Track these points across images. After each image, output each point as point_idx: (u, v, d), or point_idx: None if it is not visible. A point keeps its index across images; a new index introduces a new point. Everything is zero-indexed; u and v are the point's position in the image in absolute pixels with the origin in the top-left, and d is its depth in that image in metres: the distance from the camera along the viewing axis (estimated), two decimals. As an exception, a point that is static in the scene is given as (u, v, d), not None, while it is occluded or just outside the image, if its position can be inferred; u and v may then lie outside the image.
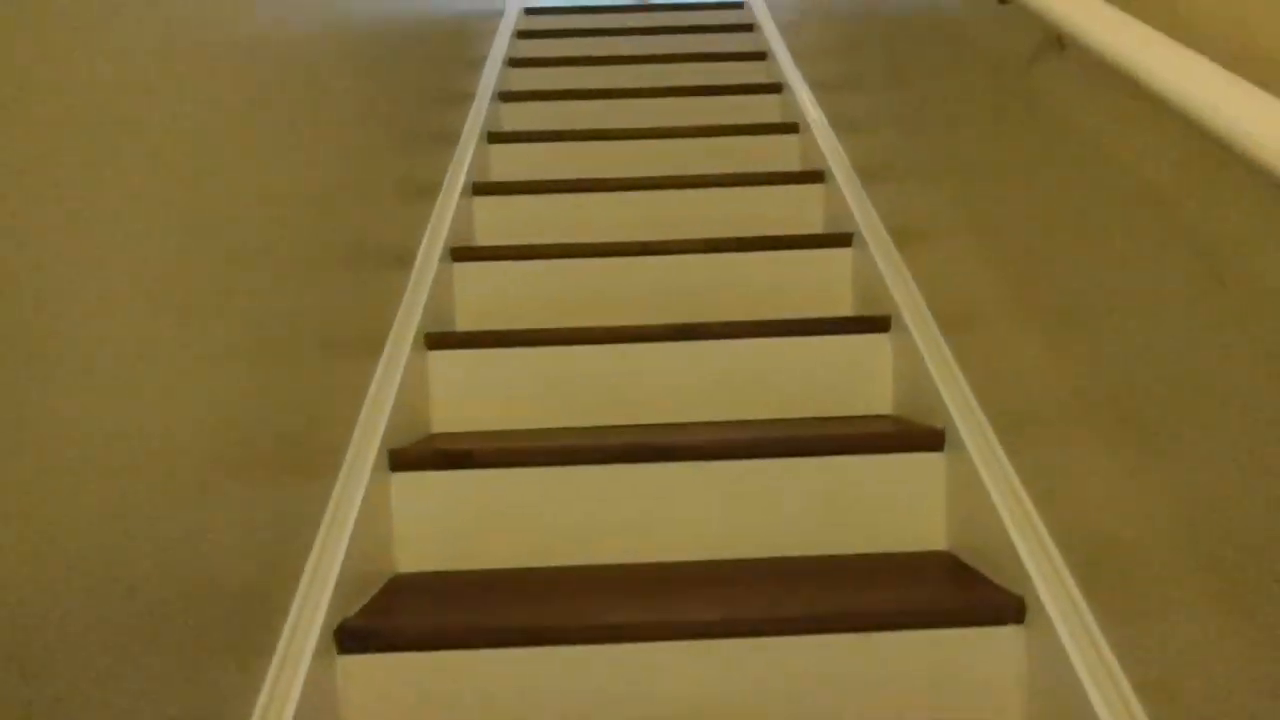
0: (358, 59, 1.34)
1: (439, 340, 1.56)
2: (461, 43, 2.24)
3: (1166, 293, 0.79)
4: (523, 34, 3.10)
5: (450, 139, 2.03)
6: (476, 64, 2.47)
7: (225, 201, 0.86)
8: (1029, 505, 1.08)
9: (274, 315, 0.99)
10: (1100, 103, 0.90)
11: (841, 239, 1.82)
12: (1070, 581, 0.97)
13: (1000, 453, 1.16)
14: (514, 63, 2.83)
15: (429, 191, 1.81)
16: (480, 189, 2.04)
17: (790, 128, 2.30)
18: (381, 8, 1.48)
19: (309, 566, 1.04)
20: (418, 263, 1.66)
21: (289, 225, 1.04)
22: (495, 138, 2.29)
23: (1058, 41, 0.97)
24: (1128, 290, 0.86)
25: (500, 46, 2.82)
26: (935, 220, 1.42)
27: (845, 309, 1.81)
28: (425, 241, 1.72)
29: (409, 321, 1.51)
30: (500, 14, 3.04)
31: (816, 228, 2.04)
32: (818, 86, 2.28)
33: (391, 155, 1.52)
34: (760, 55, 2.84)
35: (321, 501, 1.11)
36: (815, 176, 2.05)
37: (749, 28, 3.08)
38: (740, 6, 3.35)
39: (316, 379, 1.11)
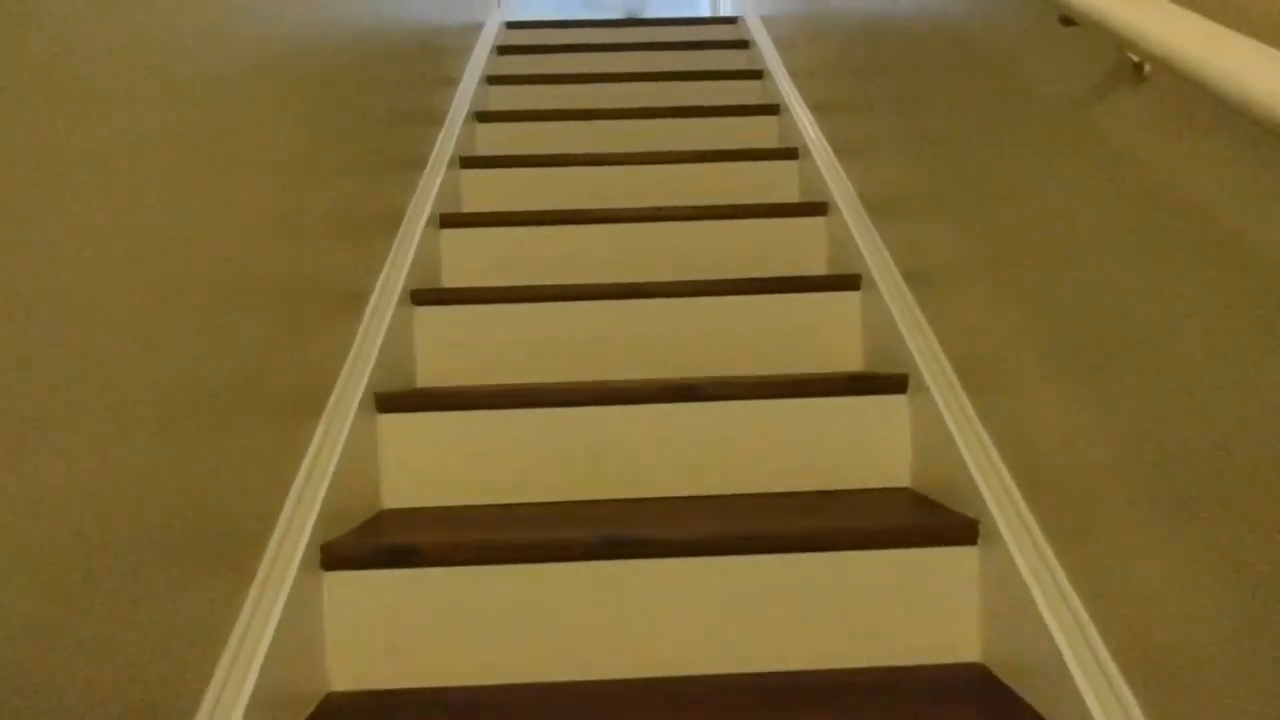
0: (291, 77, 1.15)
1: (392, 401, 1.36)
2: (430, 60, 2.05)
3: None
4: (503, 49, 2.92)
5: (416, 164, 1.84)
6: (449, 82, 2.28)
7: (121, 239, 0.67)
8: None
9: (183, 371, 0.79)
10: (1189, 141, 0.71)
11: (850, 280, 1.63)
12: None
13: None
14: (492, 80, 2.64)
15: (388, 224, 1.61)
16: (449, 220, 1.85)
17: (790, 153, 2.11)
18: (325, 19, 1.29)
19: (216, 682, 0.84)
20: (370, 306, 1.45)
21: (208, 266, 0.84)
22: (469, 162, 2.10)
23: (1135, 69, 0.78)
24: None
25: (478, 63, 2.63)
26: (957, 263, 1.23)
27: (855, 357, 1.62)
28: (382, 281, 1.52)
29: (357, 378, 1.31)
30: (479, 27, 2.86)
31: (820, 263, 1.86)
32: (819, 109, 2.10)
33: (340, 183, 1.32)
34: (757, 74, 2.66)
35: (237, 606, 0.90)
36: (818, 209, 1.87)
37: (744, 44, 2.90)
38: (734, 22, 3.18)
39: (233, 450, 0.91)
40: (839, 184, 1.84)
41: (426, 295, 1.59)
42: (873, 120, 1.65)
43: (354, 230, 1.39)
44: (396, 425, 1.35)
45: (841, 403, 1.36)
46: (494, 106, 2.61)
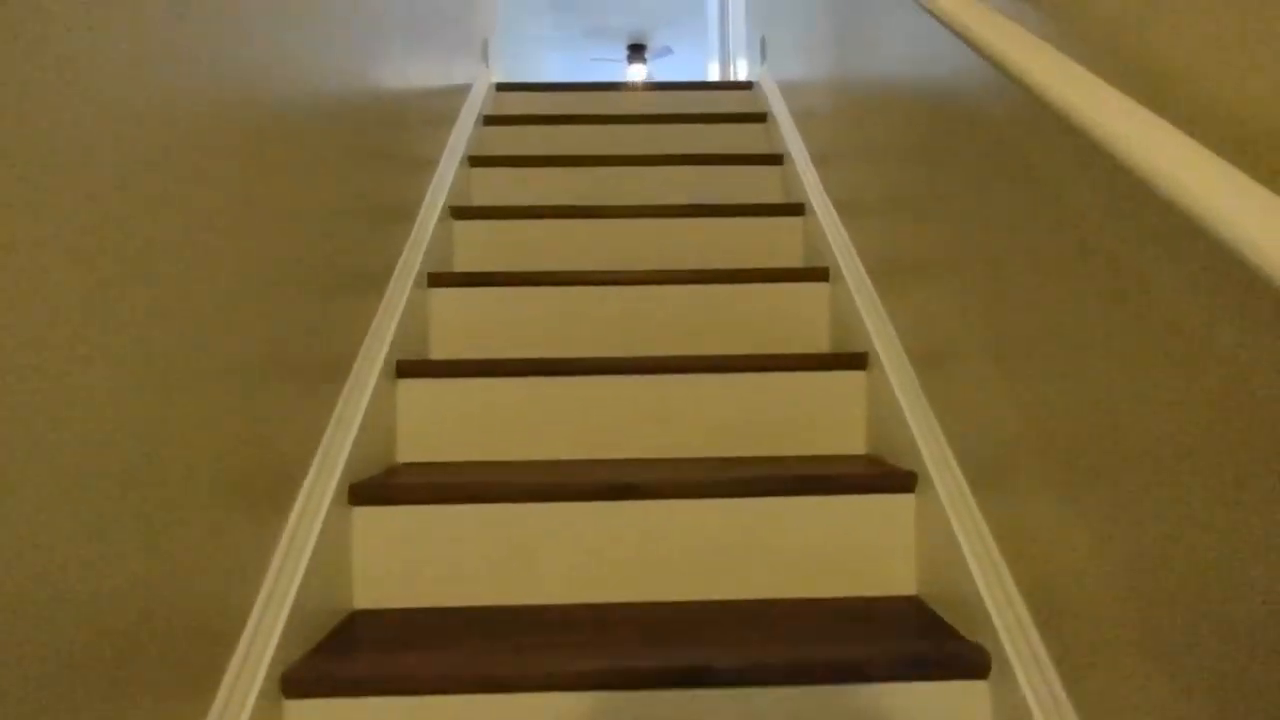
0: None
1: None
2: (398, 139, 1.73)
3: None
4: (491, 119, 2.59)
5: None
6: (426, 165, 1.97)
7: None
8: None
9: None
10: None
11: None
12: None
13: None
14: (475, 161, 2.32)
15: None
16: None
17: (820, 273, 1.80)
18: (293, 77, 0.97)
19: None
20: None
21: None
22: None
23: None
24: None
25: (461, 137, 2.31)
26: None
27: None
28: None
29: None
30: (466, 89, 2.54)
31: (860, 439, 1.54)
32: (851, 211, 1.78)
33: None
34: (777, 159, 2.35)
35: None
36: (858, 361, 1.55)
37: (761, 118, 2.59)
38: (749, 88, 2.87)
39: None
40: (881, 328, 1.52)
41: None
42: (924, 233, 1.32)
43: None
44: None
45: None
46: (476, 196, 2.29)
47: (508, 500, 1.20)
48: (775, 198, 2.31)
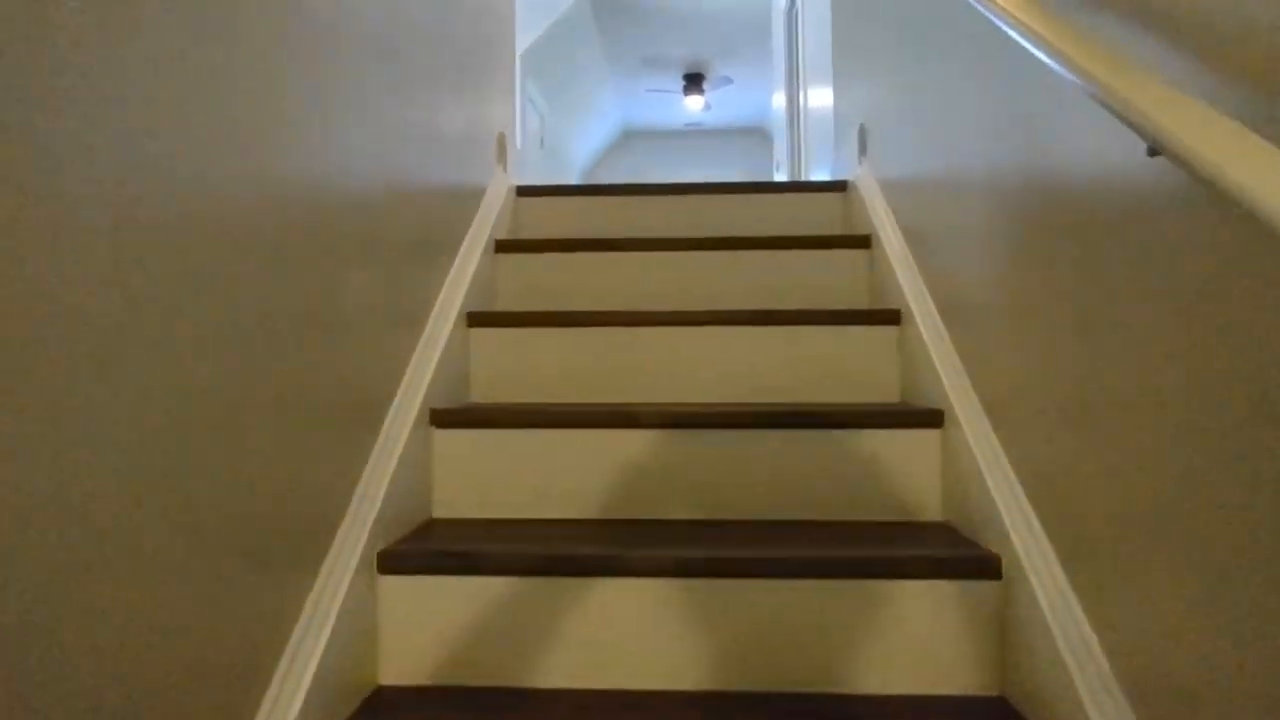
0: None
1: None
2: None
3: None
4: (504, 246, 1.99)
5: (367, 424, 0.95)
6: (410, 324, 1.38)
7: None
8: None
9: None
10: None
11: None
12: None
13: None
14: (478, 320, 1.72)
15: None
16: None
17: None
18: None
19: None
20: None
21: None
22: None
23: None
24: None
25: (465, 267, 1.72)
26: None
27: None
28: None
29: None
30: (475, 200, 1.95)
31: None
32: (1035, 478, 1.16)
33: None
34: (893, 316, 1.69)
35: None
36: None
37: (867, 242, 1.93)
38: (843, 189, 2.21)
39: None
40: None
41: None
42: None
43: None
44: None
45: None
46: (476, 379, 1.68)
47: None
48: (890, 387, 1.65)
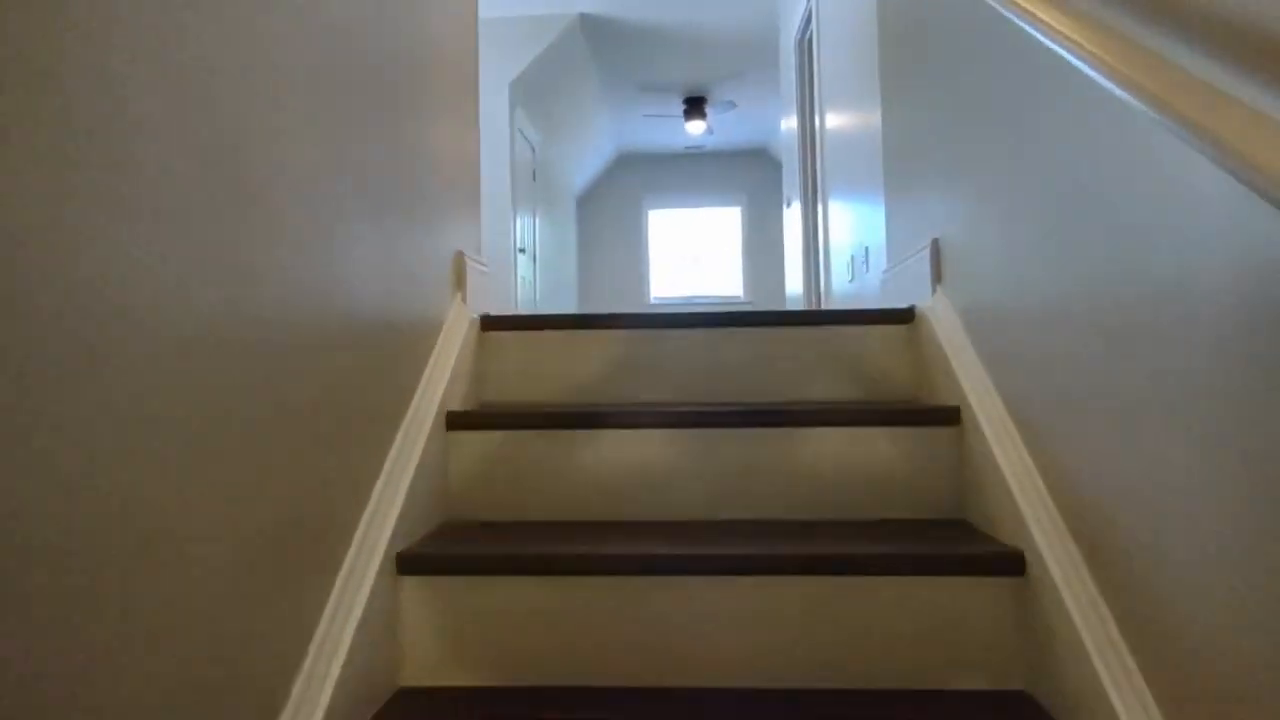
0: None
1: None
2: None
3: None
4: (454, 421, 1.47)
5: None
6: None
7: None
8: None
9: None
10: None
11: None
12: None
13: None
14: (409, 566, 1.21)
15: None
16: None
17: None
18: None
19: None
20: None
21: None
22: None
23: None
24: None
25: (403, 460, 1.22)
26: None
27: None
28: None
29: None
30: (425, 345, 1.45)
31: None
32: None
33: None
34: (1016, 565, 1.18)
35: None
36: None
37: (954, 417, 1.42)
38: (909, 320, 1.69)
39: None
40: None
41: None
42: None
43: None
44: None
45: None
46: (408, 655, 1.18)
47: None
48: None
